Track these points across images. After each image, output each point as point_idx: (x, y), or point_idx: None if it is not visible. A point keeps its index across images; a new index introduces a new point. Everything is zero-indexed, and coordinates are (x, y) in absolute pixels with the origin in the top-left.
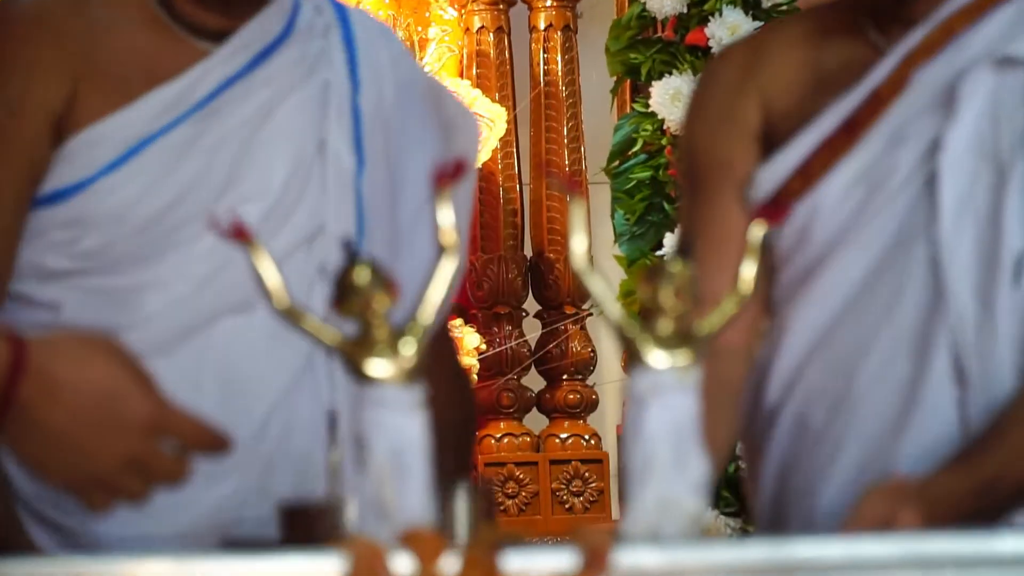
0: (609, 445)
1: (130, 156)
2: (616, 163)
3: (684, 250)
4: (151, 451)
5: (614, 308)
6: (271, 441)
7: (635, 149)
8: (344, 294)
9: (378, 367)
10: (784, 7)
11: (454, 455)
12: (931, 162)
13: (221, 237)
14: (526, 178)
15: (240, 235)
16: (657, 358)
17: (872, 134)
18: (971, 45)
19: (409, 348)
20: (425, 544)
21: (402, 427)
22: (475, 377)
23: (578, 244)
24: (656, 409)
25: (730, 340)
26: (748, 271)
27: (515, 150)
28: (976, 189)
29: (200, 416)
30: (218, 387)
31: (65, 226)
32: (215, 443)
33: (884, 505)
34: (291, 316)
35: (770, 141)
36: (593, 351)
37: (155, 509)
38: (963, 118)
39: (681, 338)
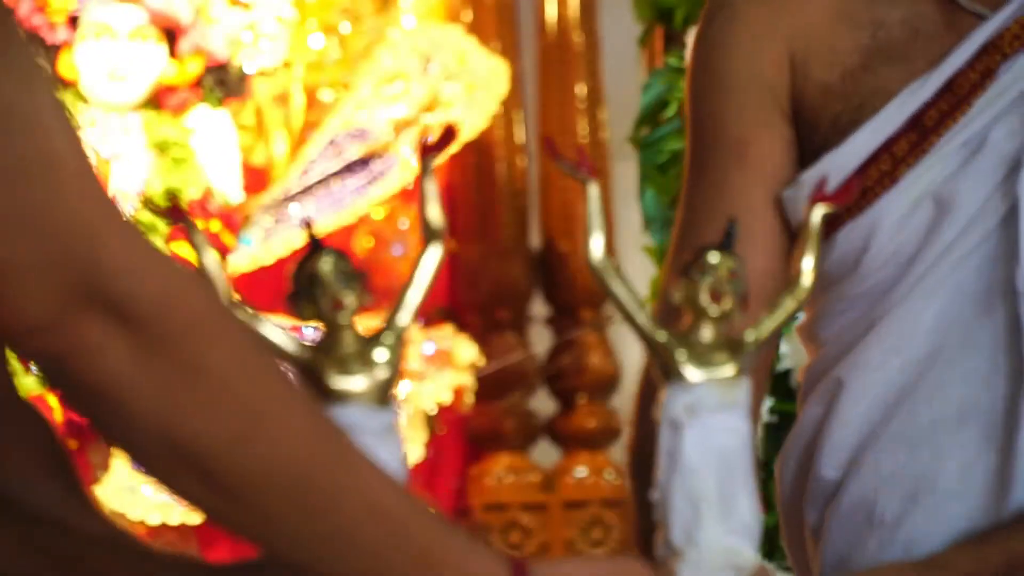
0: None
1: None
2: (645, 131)
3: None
4: None
5: (642, 314)
6: None
7: (668, 114)
8: (304, 290)
9: (347, 382)
10: None
11: None
12: (1013, 185)
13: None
14: (533, 150)
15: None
16: (694, 371)
17: (944, 140)
18: None
19: (383, 358)
20: None
21: (374, 454)
22: (470, 398)
23: (595, 244)
24: (695, 434)
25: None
26: (808, 264)
27: (519, 115)
28: None
29: None
30: None
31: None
32: None
33: None
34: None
35: (801, 119)
36: (616, 366)
37: None
38: None
39: (724, 347)
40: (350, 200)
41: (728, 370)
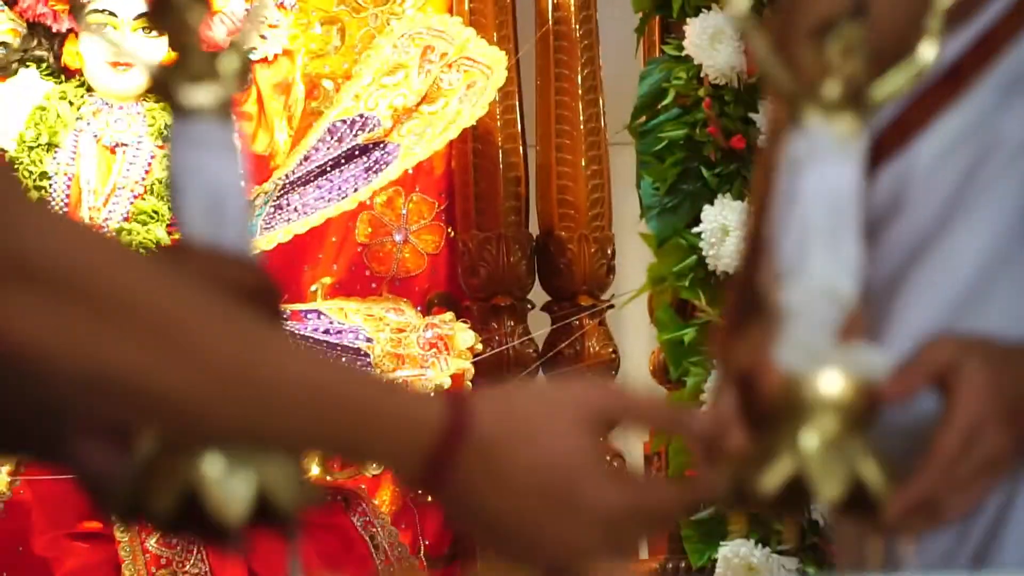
0: (635, 467)
1: None
2: (642, 120)
3: None
4: (620, 537)
5: (777, 66)
6: None
7: (666, 102)
8: (156, 8)
9: (195, 94)
10: None
11: None
12: None
13: None
14: (531, 138)
15: None
16: (817, 120)
17: (981, 84)
18: None
19: (230, 66)
20: None
21: (220, 169)
22: (469, 385)
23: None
24: (812, 173)
25: None
26: (933, 27)
27: (518, 104)
28: None
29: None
30: None
31: None
32: (706, 500)
33: (946, 353)
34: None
35: None
36: (615, 352)
37: None
38: None
39: (848, 101)
40: (350, 188)
41: (848, 122)
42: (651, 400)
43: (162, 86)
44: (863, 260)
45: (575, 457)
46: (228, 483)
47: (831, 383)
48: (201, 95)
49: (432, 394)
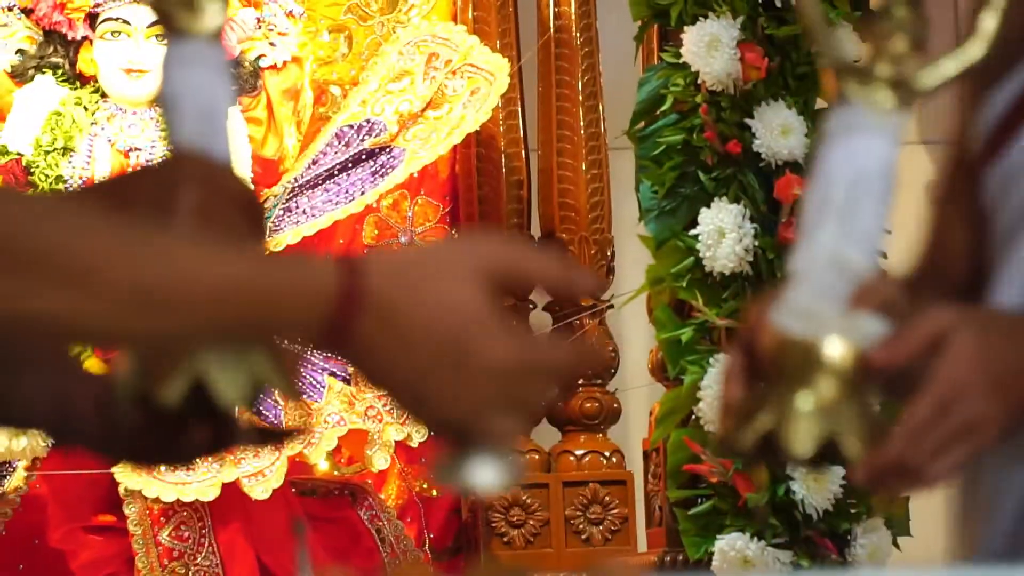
0: (634, 463)
1: None
2: (641, 125)
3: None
4: (513, 393)
5: (827, 35)
6: None
7: (664, 108)
8: None
9: (191, 18)
10: None
11: None
12: None
13: None
14: (533, 143)
15: None
16: (858, 95)
17: None
18: None
19: None
20: None
21: (212, 85)
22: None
23: None
24: (842, 147)
25: None
26: (988, 22)
27: (520, 109)
28: None
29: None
30: None
31: None
32: (598, 366)
33: (939, 323)
34: None
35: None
36: (615, 350)
37: None
38: None
39: (892, 82)
40: (357, 191)
41: (888, 100)
42: (542, 257)
43: (162, 12)
44: (884, 233)
45: (466, 312)
46: (225, 370)
47: (826, 347)
48: (196, 19)
49: (326, 260)
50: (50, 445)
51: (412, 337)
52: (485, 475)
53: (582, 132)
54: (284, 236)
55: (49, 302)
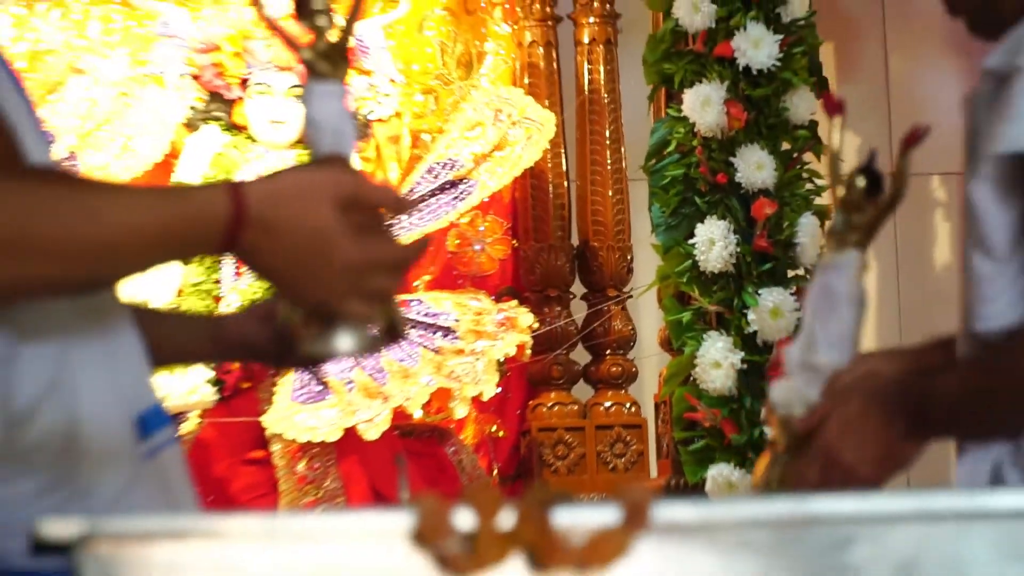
0: (648, 412)
1: None
2: (653, 162)
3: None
4: (361, 282)
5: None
6: None
7: (669, 149)
8: (300, 7)
9: (324, 63)
10: (802, 22)
11: None
12: None
13: None
14: (573, 175)
15: None
16: (829, 245)
17: None
18: None
19: (342, 46)
20: (484, 500)
21: (341, 111)
22: (528, 352)
23: None
24: (818, 280)
25: None
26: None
27: (563, 150)
28: None
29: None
30: None
31: None
32: (421, 256)
33: (829, 404)
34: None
35: None
36: (633, 329)
37: None
38: None
39: (846, 230)
40: (443, 211)
41: (853, 258)
42: (377, 185)
43: (309, 62)
44: (853, 333)
45: (325, 223)
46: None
47: (789, 422)
48: (333, 68)
49: (216, 189)
50: (215, 399)
51: (284, 243)
52: (344, 344)
53: (609, 167)
54: None
55: (49, 271)
